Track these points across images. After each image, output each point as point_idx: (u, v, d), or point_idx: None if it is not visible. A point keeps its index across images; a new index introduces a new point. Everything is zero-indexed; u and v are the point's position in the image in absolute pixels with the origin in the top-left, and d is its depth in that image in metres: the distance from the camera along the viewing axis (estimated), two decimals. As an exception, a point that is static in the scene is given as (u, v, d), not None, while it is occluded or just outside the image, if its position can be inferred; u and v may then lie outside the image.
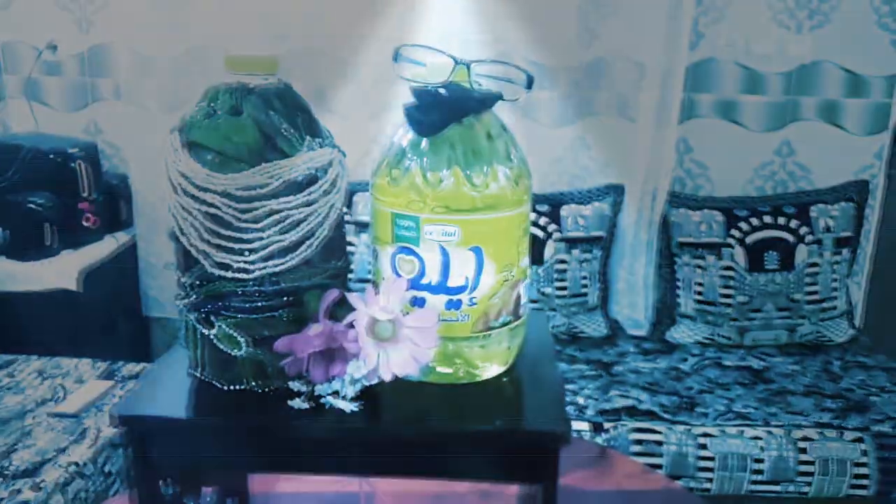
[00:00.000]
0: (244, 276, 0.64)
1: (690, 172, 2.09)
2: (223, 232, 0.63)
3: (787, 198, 2.04)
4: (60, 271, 1.89)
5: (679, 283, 2.00)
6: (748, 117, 2.06)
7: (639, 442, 1.58)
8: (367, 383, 0.64)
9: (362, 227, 1.96)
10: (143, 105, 2.12)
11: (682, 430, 1.60)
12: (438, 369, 0.69)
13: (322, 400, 0.64)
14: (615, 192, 1.99)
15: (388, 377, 0.62)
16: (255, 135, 0.63)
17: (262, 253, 0.63)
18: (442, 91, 0.64)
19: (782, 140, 2.07)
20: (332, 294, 0.63)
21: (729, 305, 1.97)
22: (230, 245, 0.63)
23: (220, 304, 0.65)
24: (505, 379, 0.71)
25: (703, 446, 1.58)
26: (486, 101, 0.64)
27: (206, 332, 0.66)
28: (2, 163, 1.93)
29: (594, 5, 1.94)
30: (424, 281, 0.66)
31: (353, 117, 2.02)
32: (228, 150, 0.62)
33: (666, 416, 1.63)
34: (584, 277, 1.98)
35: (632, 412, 1.63)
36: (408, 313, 0.66)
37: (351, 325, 0.62)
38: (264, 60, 0.65)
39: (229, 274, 0.64)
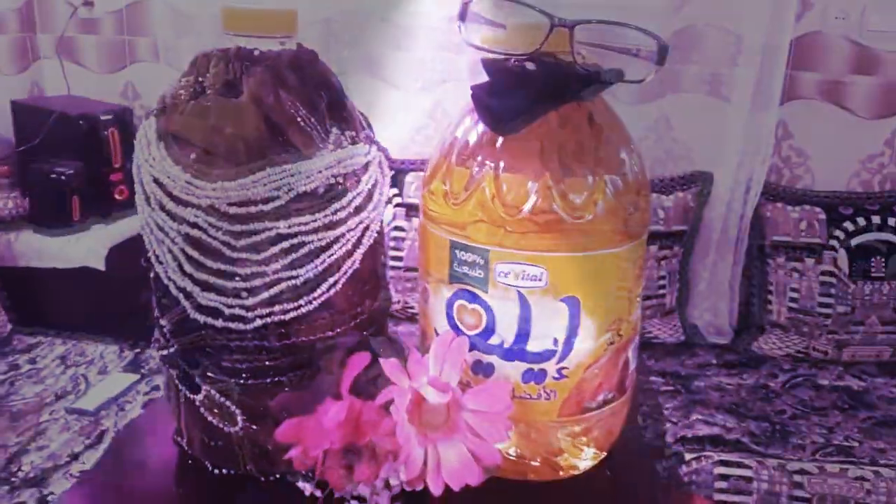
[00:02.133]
0: (240, 325, 0.45)
1: (789, 161, 1.83)
2: (210, 264, 0.44)
3: (898, 195, 1.78)
4: (89, 247, 1.75)
5: (771, 288, 1.76)
6: (857, 101, 1.79)
7: (724, 477, 1.36)
8: (407, 489, 0.44)
9: (413, 210, 1.77)
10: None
11: (774, 465, 1.38)
12: (509, 454, 0.49)
13: (343, 504, 0.45)
14: (702, 181, 1.75)
15: (437, 489, 0.42)
16: (257, 124, 0.43)
17: (264, 295, 0.44)
18: (530, 66, 0.43)
19: (895, 129, 1.80)
20: (360, 360, 0.43)
21: (827, 316, 1.72)
22: (220, 283, 0.44)
23: (207, 361, 0.46)
24: (601, 470, 0.50)
25: (799, 485, 1.36)
26: (595, 84, 0.43)
27: (189, 396, 0.48)
28: (29, 127, 1.79)
29: (687, -37, 1.69)
30: (493, 341, 0.46)
31: (408, 87, 1.82)
32: (218, 145, 0.43)
33: (756, 447, 1.41)
34: (662, 277, 1.75)
35: (716, 441, 1.41)
36: (468, 384, 0.46)
37: (386, 408, 0.43)
38: (276, 16, 0.45)
39: (219, 322, 0.45)
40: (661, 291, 1.75)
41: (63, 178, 1.70)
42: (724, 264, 1.81)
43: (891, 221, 1.71)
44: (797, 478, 1.36)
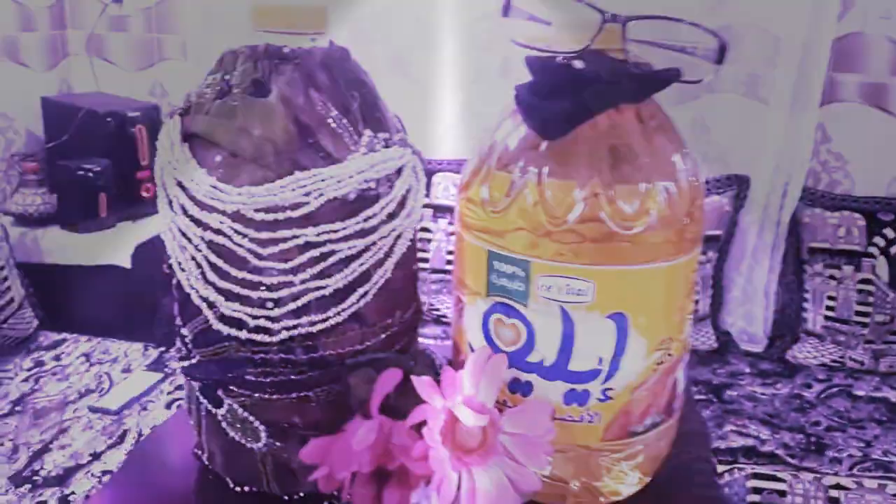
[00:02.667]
0: (265, 337, 0.42)
1: (827, 165, 1.78)
2: (235, 273, 0.41)
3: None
4: (115, 245, 1.75)
5: (807, 295, 1.71)
6: (899, 103, 1.73)
7: (757, 490, 1.32)
8: (439, 515, 0.41)
9: (441, 211, 1.74)
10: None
11: (809, 479, 1.33)
12: (544, 477, 0.46)
13: (371, 529, 0.42)
14: (738, 185, 1.71)
15: (472, 517, 0.39)
16: (286, 125, 0.41)
17: (291, 305, 0.42)
18: (578, 65, 0.40)
19: (939, 133, 1.74)
20: (391, 378, 0.41)
21: (865, 325, 1.67)
22: (245, 292, 0.42)
23: (230, 374, 0.44)
24: (644, 494, 0.47)
25: (835, 500, 1.32)
26: (650, 84, 0.40)
27: (211, 409, 0.45)
28: (59, 124, 1.79)
29: (724, -38, 1.64)
30: (533, 358, 0.43)
31: (437, 86, 1.80)
32: (245, 148, 0.41)
33: (791, 460, 1.37)
34: (695, 283, 1.71)
35: (750, 453, 1.37)
36: (505, 402, 0.43)
37: (419, 430, 0.40)
38: (306, 12, 0.43)
39: (243, 334, 0.42)
40: (694, 298, 1.72)
41: (91, 175, 1.70)
42: (759, 270, 1.76)
43: (933, 228, 1.65)
44: (833, 493, 1.31)
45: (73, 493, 1.18)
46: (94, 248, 1.74)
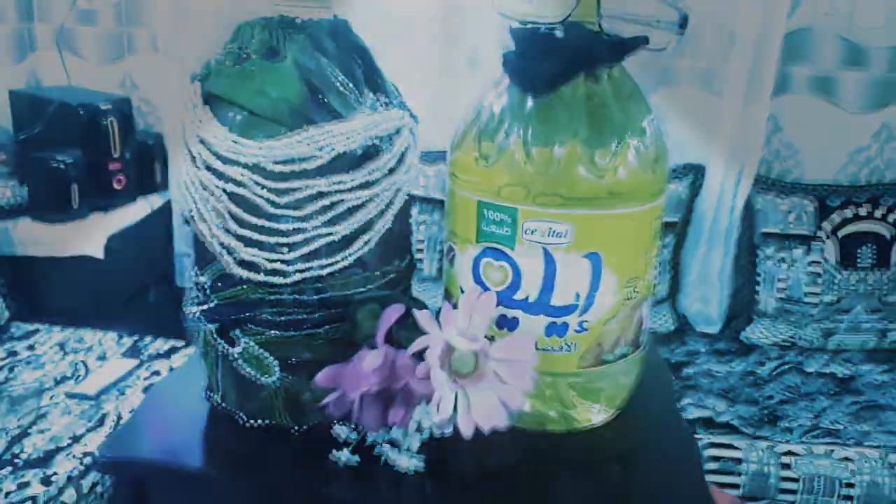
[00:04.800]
0: (278, 280, 0.47)
1: (778, 154, 1.87)
2: (252, 220, 0.46)
3: (884, 188, 1.82)
4: (88, 235, 1.76)
5: (759, 278, 1.80)
6: (845, 95, 1.83)
7: (716, 458, 1.40)
8: (437, 433, 0.47)
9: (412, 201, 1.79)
10: (181, 59, 1.96)
11: (763, 447, 1.41)
12: (527, 408, 0.51)
13: (375, 450, 0.48)
14: (694, 173, 1.79)
15: (468, 430, 0.45)
16: (298, 88, 0.46)
17: (303, 250, 0.47)
18: (559, 33, 0.46)
19: (882, 122, 1.84)
20: (395, 311, 0.46)
21: (815, 305, 1.77)
22: (260, 238, 0.46)
23: (245, 315, 0.48)
24: (614, 428, 0.53)
25: (787, 465, 1.40)
26: (622, 48, 0.46)
27: (226, 349, 0.50)
28: (28, 117, 1.80)
29: (680, -39, 1.72)
30: (519, 296, 0.49)
31: (405, 80, 1.84)
32: (262, 107, 0.45)
33: (746, 430, 1.45)
34: (654, 267, 1.78)
35: (708, 424, 1.45)
36: (493, 338, 0.48)
37: (419, 356, 0.45)
38: (315, -12, 0.48)
39: (259, 276, 0.47)
40: (653, 281, 1.79)
41: (63, 167, 1.71)
42: (714, 255, 1.84)
43: (878, 213, 1.75)
44: (785, 459, 1.39)
45: (55, 473, 1.20)
46: (67, 239, 1.75)
